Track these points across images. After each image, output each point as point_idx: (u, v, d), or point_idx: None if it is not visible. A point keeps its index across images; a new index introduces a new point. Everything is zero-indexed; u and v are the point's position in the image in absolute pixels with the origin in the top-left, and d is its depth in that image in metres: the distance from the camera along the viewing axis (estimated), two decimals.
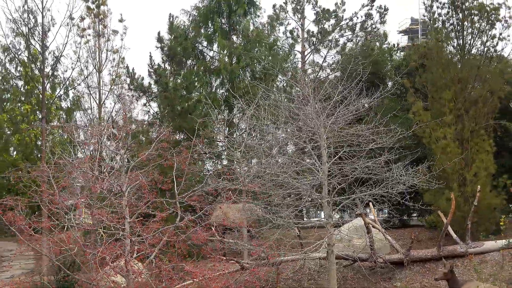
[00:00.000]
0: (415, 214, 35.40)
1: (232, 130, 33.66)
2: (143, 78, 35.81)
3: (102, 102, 35.77)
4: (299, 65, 42.04)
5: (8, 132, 39.27)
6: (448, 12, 28.04)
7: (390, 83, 34.29)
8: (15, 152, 38.97)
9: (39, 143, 34.71)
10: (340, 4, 42.31)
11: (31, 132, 35.48)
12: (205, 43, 38.02)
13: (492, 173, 26.31)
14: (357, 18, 42.56)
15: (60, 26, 36.62)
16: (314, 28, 43.24)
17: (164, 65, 35.64)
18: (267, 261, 20.30)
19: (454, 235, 24.12)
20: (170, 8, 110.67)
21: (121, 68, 37.02)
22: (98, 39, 36.47)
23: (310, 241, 22.82)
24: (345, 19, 42.55)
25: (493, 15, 27.20)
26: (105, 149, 19.75)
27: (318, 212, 35.06)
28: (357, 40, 42.27)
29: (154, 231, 15.90)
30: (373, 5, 42.48)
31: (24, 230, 15.20)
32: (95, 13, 36.54)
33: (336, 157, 20.72)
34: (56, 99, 37.61)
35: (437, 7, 28.43)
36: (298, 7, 43.04)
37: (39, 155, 34.10)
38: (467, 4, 27.45)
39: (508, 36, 27.95)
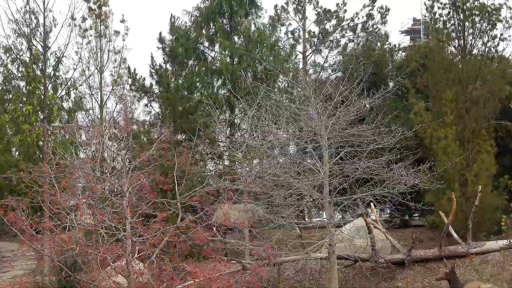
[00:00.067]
0: (416, 214, 35.41)
1: (234, 130, 33.63)
2: (144, 79, 35.81)
3: (103, 103, 35.78)
4: (301, 66, 42.01)
5: (10, 133, 39.21)
6: (449, 13, 28.08)
7: (391, 84, 34.31)
8: (17, 153, 38.94)
9: (41, 143, 34.68)
10: (341, 4, 42.27)
11: (33, 132, 35.45)
12: (206, 44, 37.98)
13: (493, 174, 26.36)
14: (358, 18, 42.57)
15: (62, 26, 36.46)
16: (315, 29, 43.29)
17: (166, 65, 35.62)
18: (269, 261, 20.31)
19: (455, 235, 24.16)
20: (171, 9, 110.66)
21: (122, 69, 36.99)
22: (100, 39, 36.44)
23: (311, 241, 22.82)
24: (346, 20, 42.51)
25: (494, 16, 27.24)
26: (106, 150, 19.75)
27: (321, 212, 35.04)
28: (359, 41, 42.26)
29: (155, 231, 15.91)
30: (374, 6, 42.47)
31: (26, 231, 15.23)
32: (97, 13, 36.51)
33: (337, 157, 20.75)
34: (57, 99, 37.55)
35: (438, 8, 28.48)
36: (299, 7, 43.03)
37: (41, 156, 34.09)
38: (468, 4, 27.47)
39: (509, 36, 28.03)
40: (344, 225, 25.83)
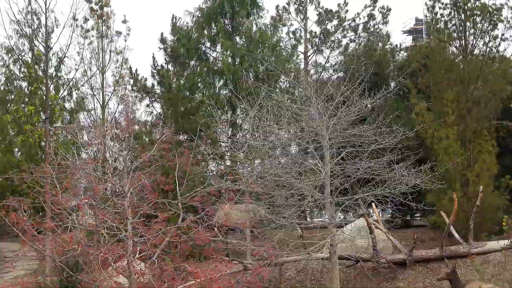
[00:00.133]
0: (418, 215, 35.44)
1: (235, 131, 33.67)
2: (146, 79, 35.89)
3: (105, 103, 35.85)
4: (302, 66, 42.02)
5: (12, 133, 39.35)
6: (450, 13, 28.08)
7: (392, 84, 34.32)
8: (19, 153, 39.03)
9: (43, 144, 34.76)
10: (343, 4, 42.24)
11: (35, 133, 35.52)
12: (208, 44, 37.99)
13: (495, 174, 26.36)
14: (360, 18, 42.52)
15: (64, 27, 36.77)
16: (316, 29, 43.29)
17: (167, 66, 35.69)
18: (270, 261, 20.34)
19: (457, 235, 24.16)
20: (173, 9, 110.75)
21: (124, 69, 37.07)
22: (102, 40, 36.51)
23: (313, 242, 22.84)
24: (348, 20, 42.46)
25: (495, 16, 27.24)
26: (108, 150, 19.79)
27: (323, 212, 35.08)
28: (360, 41, 42.26)
29: (157, 231, 15.94)
30: (376, 6, 42.44)
31: (27, 231, 15.25)
32: (99, 14, 36.58)
33: (338, 158, 20.77)
34: (59, 100, 37.64)
35: (439, 8, 28.49)
36: (301, 8, 43.01)
37: (42, 156, 34.15)
38: (469, 4, 27.47)
39: (511, 36, 28.06)
40: (346, 225, 25.83)
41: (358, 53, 36.05)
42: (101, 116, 35.31)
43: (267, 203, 22.30)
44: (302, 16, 43.26)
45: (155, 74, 35.12)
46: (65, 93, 38.27)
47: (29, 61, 36.44)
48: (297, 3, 43.06)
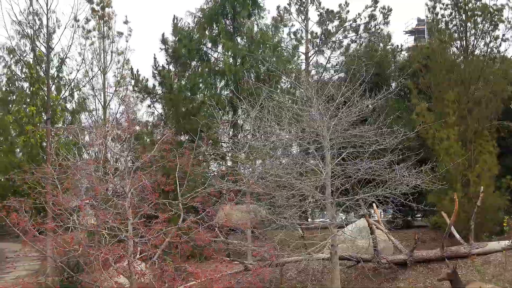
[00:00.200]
0: (419, 215, 35.44)
1: (236, 131, 33.70)
2: (147, 80, 35.96)
3: (107, 104, 35.91)
4: (303, 67, 42.03)
5: (14, 134, 39.37)
6: (451, 13, 28.08)
7: (393, 84, 34.36)
8: (20, 154, 39.06)
9: (44, 144, 34.78)
10: (344, 5, 42.24)
11: (37, 133, 35.54)
12: (209, 45, 38.00)
13: (495, 174, 26.34)
14: (361, 19, 42.50)
15: (65, 28, 36.81)
16: (318, 30, 43.32)
17: (169, 66, 35.74)
18: (271, 262, 20.37)
19: (458, 236, 24.17)
20: (174, 10, 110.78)
21: (125, 70, 37.22)
22: (103, 40, 36.62)
23: (314, 242, 22.87)
24: (349, 20, 42.45)
25: (496, 16, 27.24)
26: (109, 151, 19.84)
27: (325, 213, 35.14)
28: (361, 41, 42.29)
29: (157, 232, 15.97)
30: (377, 6, 42.43)
31: (28, 231, 15.28)
32: (100, 15, 36.68)
33: (339, 158, 20.80)
34: (61, 100, 37.68)
35: (440, 8, 28.49)
36: (302, 8, 43.01)
37: (44, 157, 34.20)
38: (470, 5, 27.47)
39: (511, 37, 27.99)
40: (346, 226, 25.84)
41: (359, 53, 36.03)
42: (102, 117, 35.38)
43: (268, 204, 22.35)
44: (303, 17, 43.26)
45: (156, 74, 35.18)
46: (67, 93, 38.33)
47: (31, 62, 36.46)
48: (298, 4, 43.07)
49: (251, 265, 22.09)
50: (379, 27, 42.37)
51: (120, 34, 38.04)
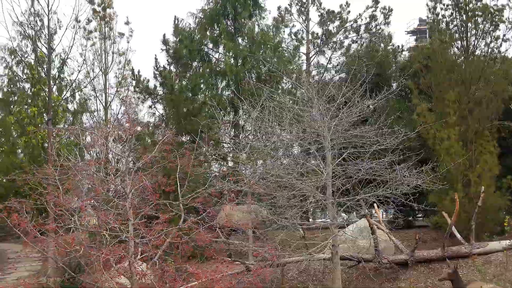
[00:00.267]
0: (420, 215, 35.43)
1: (238, 132, 33.73)
2: (148, 81, 35.97)
3: (108, 105, 35.94)
4: (304, 67, 42.06)
5: (15, 135, 39.42)
6: (452, 14, 28.10)
7: (394, 84, 34.34)
8: (22, 155, 39.11)
9: (46, 145, 34.84)
10: (345, 5, 42.29)
11: (38, 134, 35.60)
12: (210, 45, 38.05)
13: (496, 174, 26.35)
14: (362, 19, 42.56)
15: (66, 28, 37.12)
16: (318, 30, 43.44)
17: (170, 67, 35.73)
18: (272, 262, 20.38)
19: (459, 236, 24.18)
20: (175, 10, 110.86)
21: (127, 71, 37.26)
22: (104, 41, 36.68)
23: (315, 242, 22.88)
24: (350, 21, 42.53)
25: (496, 17, 27.26)
26: (110, 152, 19.86)
27: (326, 213, 35.14)
28: (362, 42, 42.31)
29: (158, 232, 15.98)
30: (378, 7, 42.47)
31: (30, 232, 15.31)
32: (101, 15, 36.73)
33: (340, 158, 20.81)
34: (62, 101, 37.75)
35: (441, 9, 28.51)
36: (303, 9, 43.08)
37: (45, 158, 34.24)
38: (470, 5, 27.48)
39: None
40: (347, 226, 25.86)
41: (360, 54, 36.04)
42: (103, 117, 35.40)
43: (269, 204, 22.33)
44: (304, 17, 43.31)
45: (157, 75, 35.17)
46: (68, 94, 38.41)
47: (32, 63, 36.55)
48: (299, 4, 43.14)
49: (252, 266, 22.09)
50: (380, 28, 42.48)
51: (121, 35, 38.13)
